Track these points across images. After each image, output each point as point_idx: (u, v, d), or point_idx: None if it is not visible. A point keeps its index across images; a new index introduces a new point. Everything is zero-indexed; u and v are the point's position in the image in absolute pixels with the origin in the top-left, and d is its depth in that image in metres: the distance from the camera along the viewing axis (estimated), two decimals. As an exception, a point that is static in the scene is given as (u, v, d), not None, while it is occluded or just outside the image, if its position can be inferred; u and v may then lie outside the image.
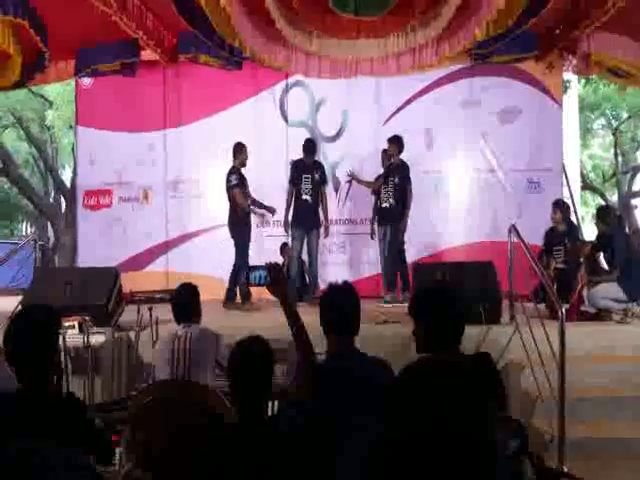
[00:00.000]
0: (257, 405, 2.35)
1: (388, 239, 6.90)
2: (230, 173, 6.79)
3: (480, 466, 1.65)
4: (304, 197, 7.00)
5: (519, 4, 5.38)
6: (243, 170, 6.90)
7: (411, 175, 7.10)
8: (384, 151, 7.28)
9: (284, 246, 7.81)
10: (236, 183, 6.71)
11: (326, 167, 7.66)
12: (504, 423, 2.31)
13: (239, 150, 6.87)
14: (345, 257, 8.38)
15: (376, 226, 7.22)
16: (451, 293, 2.56)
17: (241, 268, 6.71)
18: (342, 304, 2.67)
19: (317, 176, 7.07)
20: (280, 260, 7.40)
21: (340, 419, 2.39)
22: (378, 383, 2.47)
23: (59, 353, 2.40)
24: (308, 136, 7.85)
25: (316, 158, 7.33)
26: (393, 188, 6.92)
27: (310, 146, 7.16)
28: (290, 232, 7.18)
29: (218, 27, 5.73)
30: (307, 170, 7.06)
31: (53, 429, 2.12)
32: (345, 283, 2.82)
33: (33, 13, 5.69)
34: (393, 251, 6.92)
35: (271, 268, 2.71)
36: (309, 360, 2.61)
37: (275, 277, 2.72)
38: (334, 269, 8.03)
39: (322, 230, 7.16)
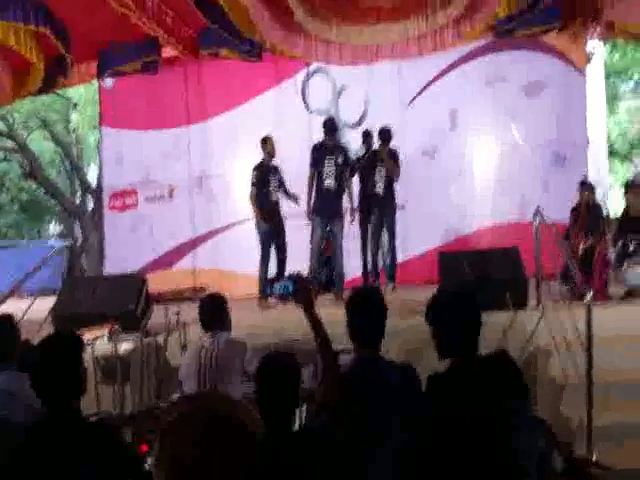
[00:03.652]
0: (285, 418, 2.35)
1: (388, 225, 6.97)
2: (252, 170, 6.85)
3: (509, 468, 1.66)
4: (327, 182, 6.61)
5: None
6: (275, 161, 6.90)
7: (435, 156, 7.10)
8: (366, 134, 7.24)
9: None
10: (253, 182, 6.80)
11: (349, 154, 7.53)
12: (530, 423, 2.31)
13: (263, 144, 6.87)
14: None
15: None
16: (466, 298, 2.48)
17: (261, 261, 6.80)
18: (368, 311, 2.64)
19: (340, 159, 6.70)
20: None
21: (367, 426, 2.41)
22: (403, 387, 2.51)
23: (86, 373, 2.42)
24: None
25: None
26: (385, 174, 6.87)
27: (331, 126, 6.80)
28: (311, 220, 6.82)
29: (237, 21, 5.72)
30: (329, 152, 6.69)
31: (85, 457, 2.15)
32: (371, 288, 2.79)
33: (54, 19, 5.73)
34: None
35: (297, 279, 2.69)
36: (333, 372, 2.60)
37: (301, 287, 2.68)
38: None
39: (347, 218, 6.91)
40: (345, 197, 6.87)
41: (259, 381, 2.38)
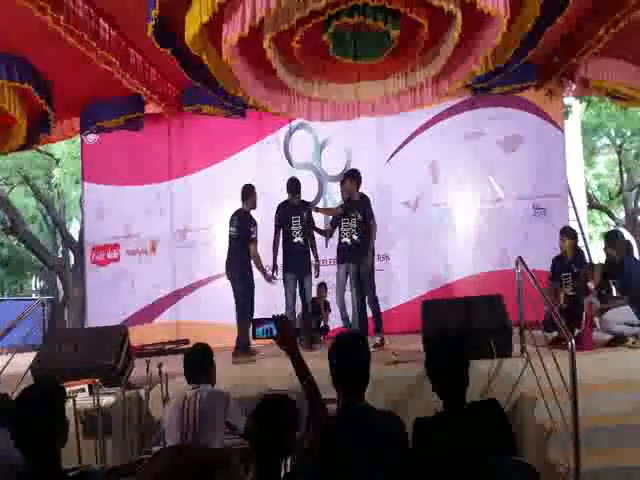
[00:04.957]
0: (278, 462, 2.31)
1: (356, 276, 6.52)
2: (247, 220, 6.52)
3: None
4: (296, 240, 6.69)
5: (516, 39, 5.43)
6: (253, 212, 6.68)
7: (417, 208, 7.11)
8: (342, 183, 6.91)
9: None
10: (255, 237, 6.50)
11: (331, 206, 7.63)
12: (516, 468, 2.33)
13: (250, 192, 6.63)
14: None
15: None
16: (454, 343, 2.69)
17: (244, 315, 6.41)
18: (350, 358, 2.62)
19: (305, 215, 6.78)
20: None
21: (353, 473, 2.38)
22: (387, 436, 2.48)
23: (67, 422, 2.37)
24: (311, 177, 7.84)
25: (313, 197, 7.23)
26: (356, 223, 6.53)
27: (294, 185, 6.84)
28: (282, 276, 6.69)
29: (220, 79, 5.80)
30: (295, 211, 6.75)
31: None
32: (354, 334, 2.78)
33: (38, 76, 5.79)
34: (373, 287, 6.57)
35: (278, 320, 2.60)
36: (319, 414, 2.55)
37: (282, 329, 2.60)
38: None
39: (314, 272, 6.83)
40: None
41: (258, 421, 2.35)
